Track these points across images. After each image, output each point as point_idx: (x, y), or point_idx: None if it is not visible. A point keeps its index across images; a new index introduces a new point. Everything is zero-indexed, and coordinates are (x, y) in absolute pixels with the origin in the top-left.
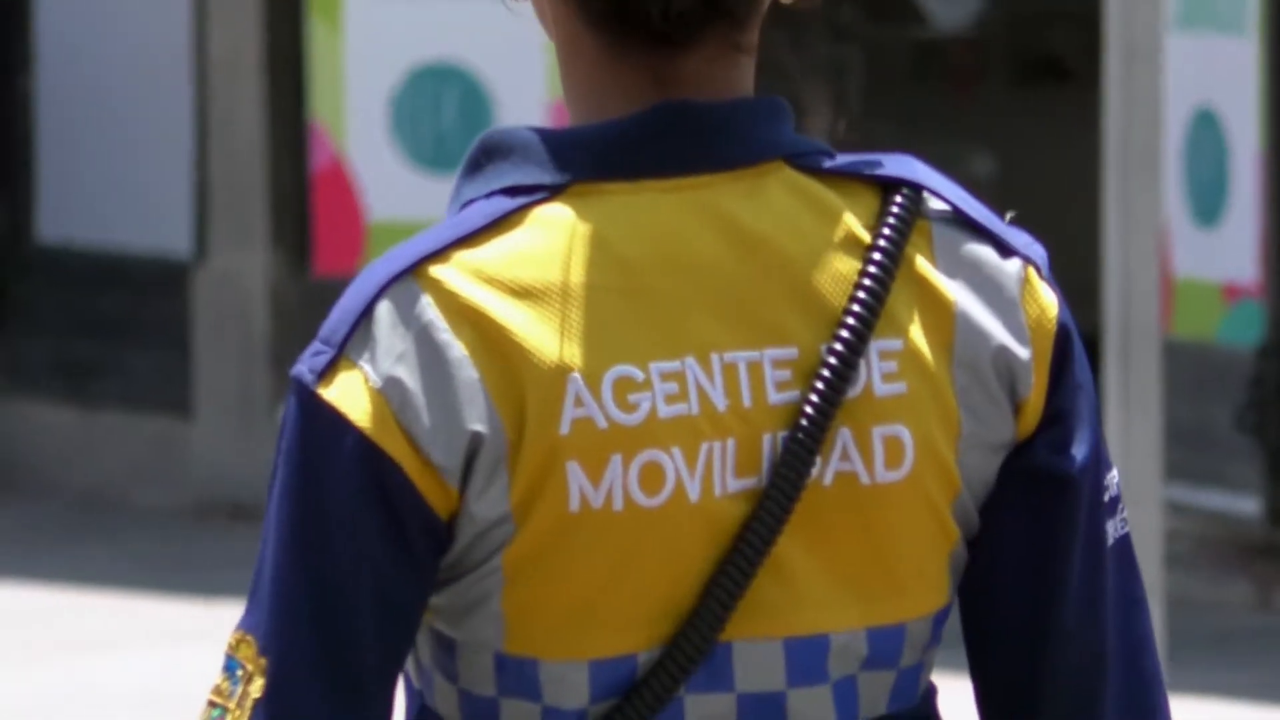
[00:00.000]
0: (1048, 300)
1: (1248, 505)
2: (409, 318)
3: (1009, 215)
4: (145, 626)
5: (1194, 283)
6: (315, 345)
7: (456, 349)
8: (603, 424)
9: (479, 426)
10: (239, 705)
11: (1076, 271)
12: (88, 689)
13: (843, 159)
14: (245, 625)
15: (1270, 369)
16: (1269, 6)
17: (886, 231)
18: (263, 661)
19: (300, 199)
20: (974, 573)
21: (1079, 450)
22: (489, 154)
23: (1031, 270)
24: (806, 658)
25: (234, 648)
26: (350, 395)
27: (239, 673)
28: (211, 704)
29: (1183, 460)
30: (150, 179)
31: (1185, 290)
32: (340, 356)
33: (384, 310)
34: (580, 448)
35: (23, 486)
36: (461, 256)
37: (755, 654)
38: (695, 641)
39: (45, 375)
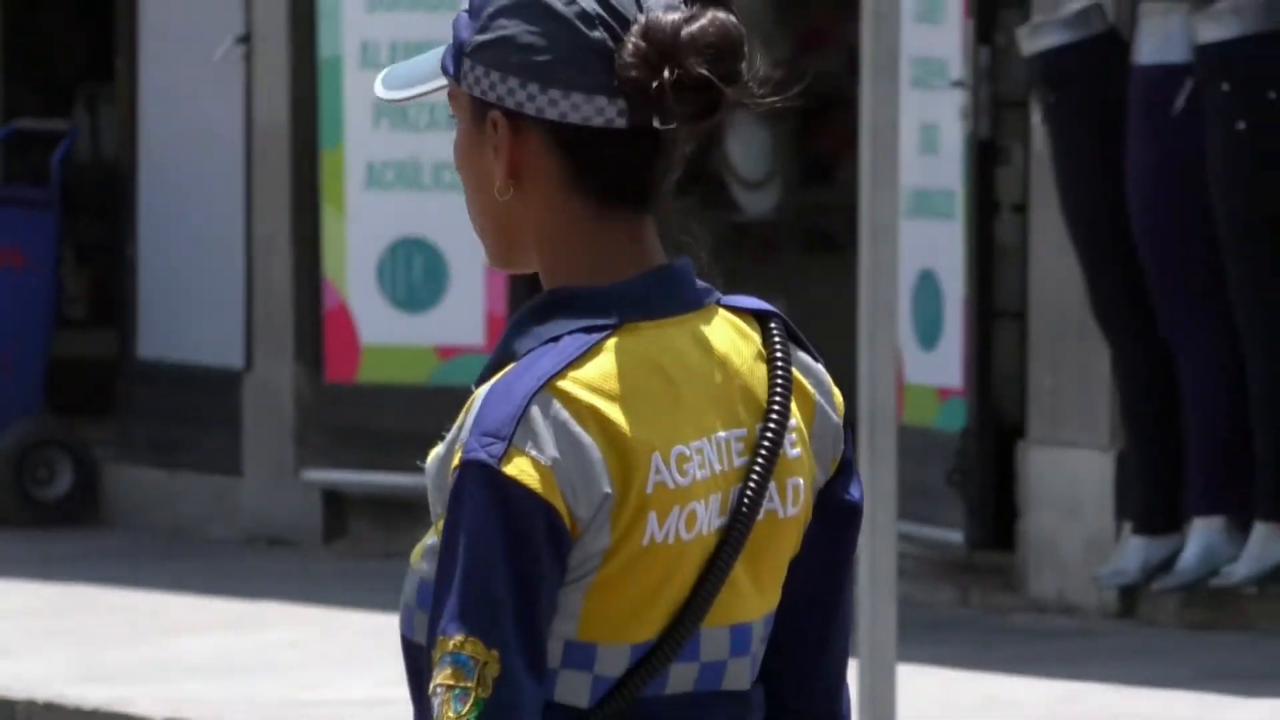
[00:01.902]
0: (838, 392)
1: (954, 536)
2: (553, 419)
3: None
4: (210, 618)
5: (918, 387)
6: (484, 439)
7: (586, 438)
8: (671, 485)
9: (607, 489)
10: (480, 684)
11: (843, 378)
12: (177, 657)
13: (730, 298)
14: (468, 630)
15: (969, 445)
16: (969, 202)
17: (779, 350)
18: (494, 653)
19: (316, 329)
20: (792, 567)
21: (858, 490)
22: (556, 305)
23: (825, 372)
24: (741, 639)
25: (459, 646)
26: (526, 471)
27: (471, 664)
28: (449, 688)
29: (911, 505)
30: (214, 316)
31: (913, 392)
32: (511, 446)
33: (535, 413)
34: (657, 502)
35: (126, 524)
36: (574, 375)
37: (714, 636)
38: (687, 629)
39: (142, 449)
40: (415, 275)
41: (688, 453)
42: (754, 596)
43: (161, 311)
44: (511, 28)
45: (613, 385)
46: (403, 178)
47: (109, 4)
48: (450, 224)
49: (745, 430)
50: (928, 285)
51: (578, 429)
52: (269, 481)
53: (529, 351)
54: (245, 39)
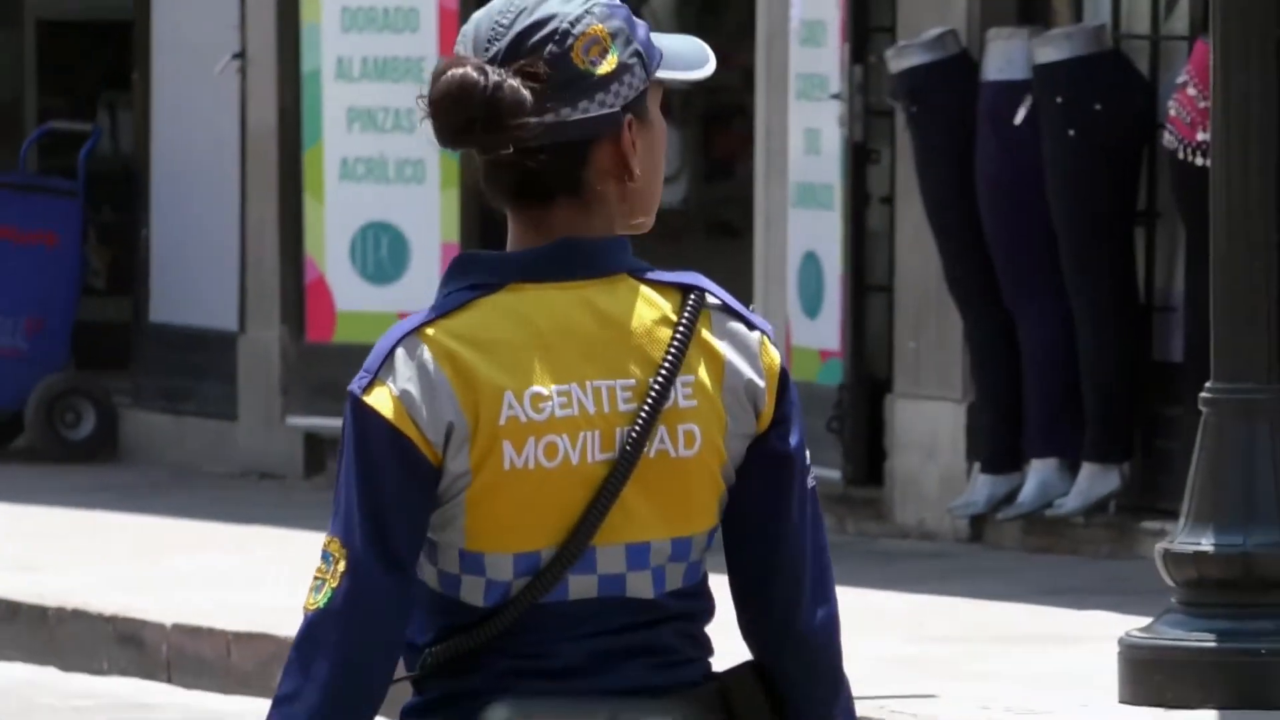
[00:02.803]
0: (774, 355)
1: (833, 474)
2: (417, 358)
3: (751, 305)
4: (208, 540)
5: (803, 349)
6: (360, 374)
7: (439, 375)
8: (523, 420)
9: (451, 418)
10: (332, 575)
11: None
12: (188, 573)
13: (660, 274)
14: (332, 533)
15: (845, 398)
16: (845, 195)
17: (685, 317)
18: (345, 550)
19: (299, 298)
20: (732, 507)
21: (794, 439)
22: (461, 267)
23: (765, 338)
24: (638, 556)
25: (326, 545)
26: (381, 400)
27: (330, 559)
28: (314, 579)
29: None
30: (214, 286)
31: (798, 353)
32: (374, 379)
33: (400, 353)
34: (509, 433)
35: (139, 461)
36: (441, 323)
37: (608, 552)
38: (578, 545)
39: (153, 398)
40: (382, 253)
41: (546, 393)
42: (654, 521)
43: (169, 282)
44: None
45: (475, 334)
46: (371, 172)
47: (127, 26)
48: (411, 210)
49: (634, 381)
50: (810, 264)
51: (433, 367)
52: (259, 426)
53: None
54: (240, 55)
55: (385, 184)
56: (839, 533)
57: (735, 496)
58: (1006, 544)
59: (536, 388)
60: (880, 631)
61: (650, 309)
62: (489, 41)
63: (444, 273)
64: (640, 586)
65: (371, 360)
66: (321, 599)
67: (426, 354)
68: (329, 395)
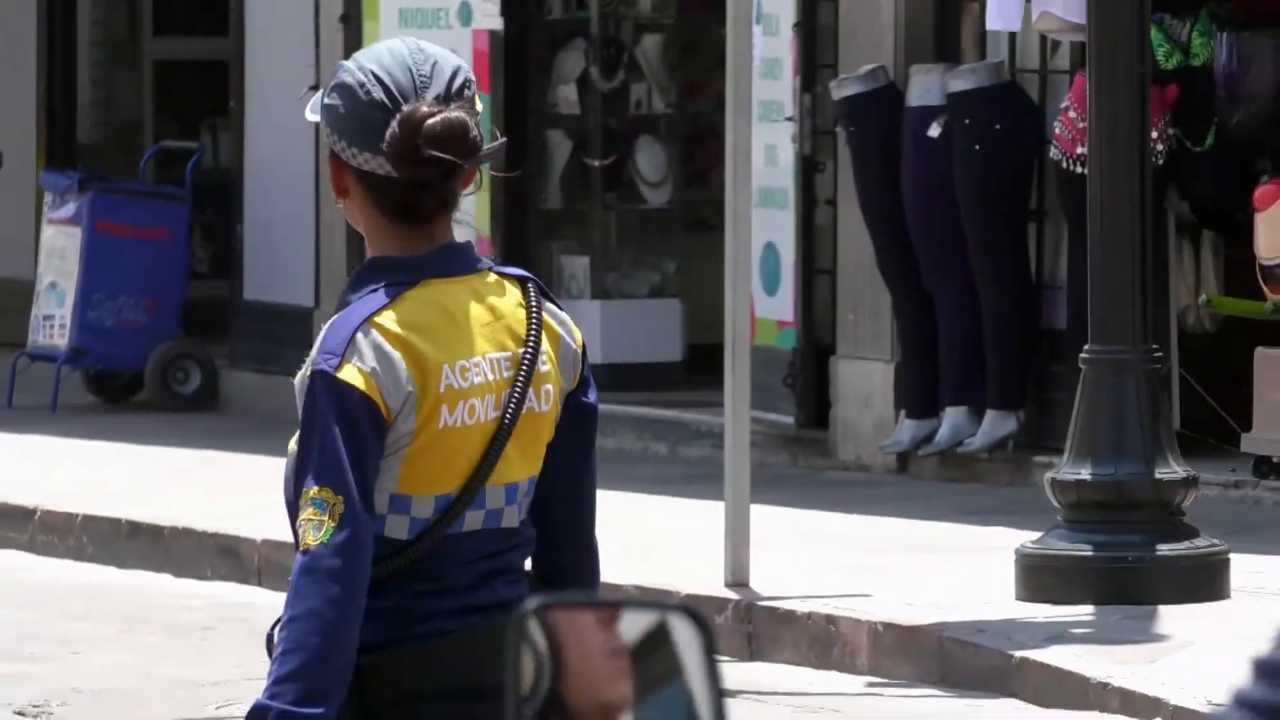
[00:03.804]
0: (578, 332)
1: (787, 419)
2: (371, 341)
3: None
4: None
5: (764, 320)
6: (325, 356)
7: (395, 355)
8: (456, 387)
9: (409, 389)
10: (330, 517)
11: (715, 315)
12: (273, 499)
13: (501, 267)
14: (319, 484)
15: (797, 359)
16: (797, 197)
17: (533, 301)
18: (340, 496)
19: None
20: (551, 449)
21: (593, 395)
22: (377, 269)
23: (569, 318)
24: (511, 493)
25: (317, 494)
26: (354, 375)
27: (324, 505)
28: (309, 521)
29: (759, 399)
30: (294, 271)
31: (761, 323)
32: (343, 360)
33: (360, 337)
34: (447, 398)
35: (236, 411)
36: (386, 313)
37: (494, 492)
38: (476, 486)
39: (246, 360)
40: None
41: (468, 366)
42: (520, 464)
43: (258, 268)
44: (336, 101)
45: (413, 320)
46: None
47: (225, 65)
48: None
49: (511, 354)
50: (770, 253)
51: (389, 349)
52: None
53: (357, 299)
54: (315, 87)
55: None
56: (792, 467)
57: (554, 441)
58: (926, 475)
59: (462, 361)
60: (825, 546)
61: (509, 296)
62: (421, 89)
63: (359, 273)
64: (511, 518)
65: (333, 345)
66: (324, 536)
67: (381, 338)
68: None
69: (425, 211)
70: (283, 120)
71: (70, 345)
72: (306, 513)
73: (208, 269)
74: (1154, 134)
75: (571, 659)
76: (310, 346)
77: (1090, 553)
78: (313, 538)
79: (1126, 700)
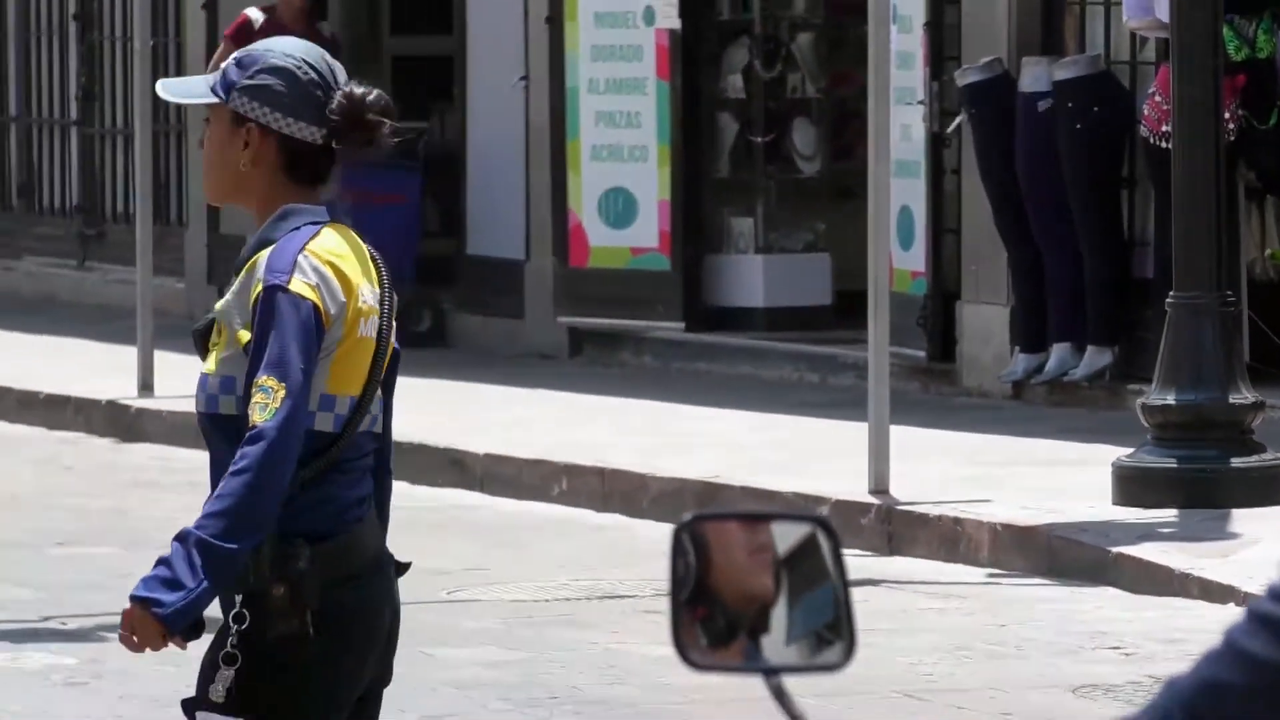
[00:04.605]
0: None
1: (920, 353)
2: (310, 263)
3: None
4: (507, 398)
5: (901, 270)
6: (275, 274)
7: (329, 274)
8: (364, 305)
9: (342, 300)
10: (274, 400)
11: (860, 266)
12: (494, 419)
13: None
14: (266, 375)
15: (928, 303)
16: (928, 168)
17: (370, 245)
18: (283, 385)
19: (563, 237)
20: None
21: (396, 341)
22: (294, 213)
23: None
24: (378, 401)
25: (263, 382)
26: (302, 287)
27: (270, 390)
28: (256, 403)
29: (897, 336)
30: (508, 230)
31: (898, 273)
32: (291, 277)
33: (302, 259)
34: (362, 313)
35: (462, 347)
36: (314, 244)
37: (375, 398)
38: (372, 390)
39: (471, 305)
40: (619, 208)
41: (365, 290)
42: (379, 377)
43: (479, 227)
44: (272, 81)
45: (334, 250)
46: (612, 155)
47: (449, 59)
48: (638, 179)
49: (374, 286)
50: (905, 214)
51: (324, 269)
52: (539, 323)
53: (283, 235)
54: (525, 77)
55: (620, 162)
56: (924, 393)
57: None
58: (1037, 401)
59: (365, 284)
60: (952, 459)
61: (359, 241)
62: (335, 76)
63: (276, 217)
64: (378, 423)
65: (282, 266)
66: (269, 415)
67: (317, 261)
68: (584, 302)
69: (325, 174)
70: (497, 104)
71: None
72: (256, 397)
73: (437, 228)
74: (1226, 115)
75: (716, 558)
76: (519, 293)
77: (1174, 465)
78: (259, 416)
79: (1205, 588)
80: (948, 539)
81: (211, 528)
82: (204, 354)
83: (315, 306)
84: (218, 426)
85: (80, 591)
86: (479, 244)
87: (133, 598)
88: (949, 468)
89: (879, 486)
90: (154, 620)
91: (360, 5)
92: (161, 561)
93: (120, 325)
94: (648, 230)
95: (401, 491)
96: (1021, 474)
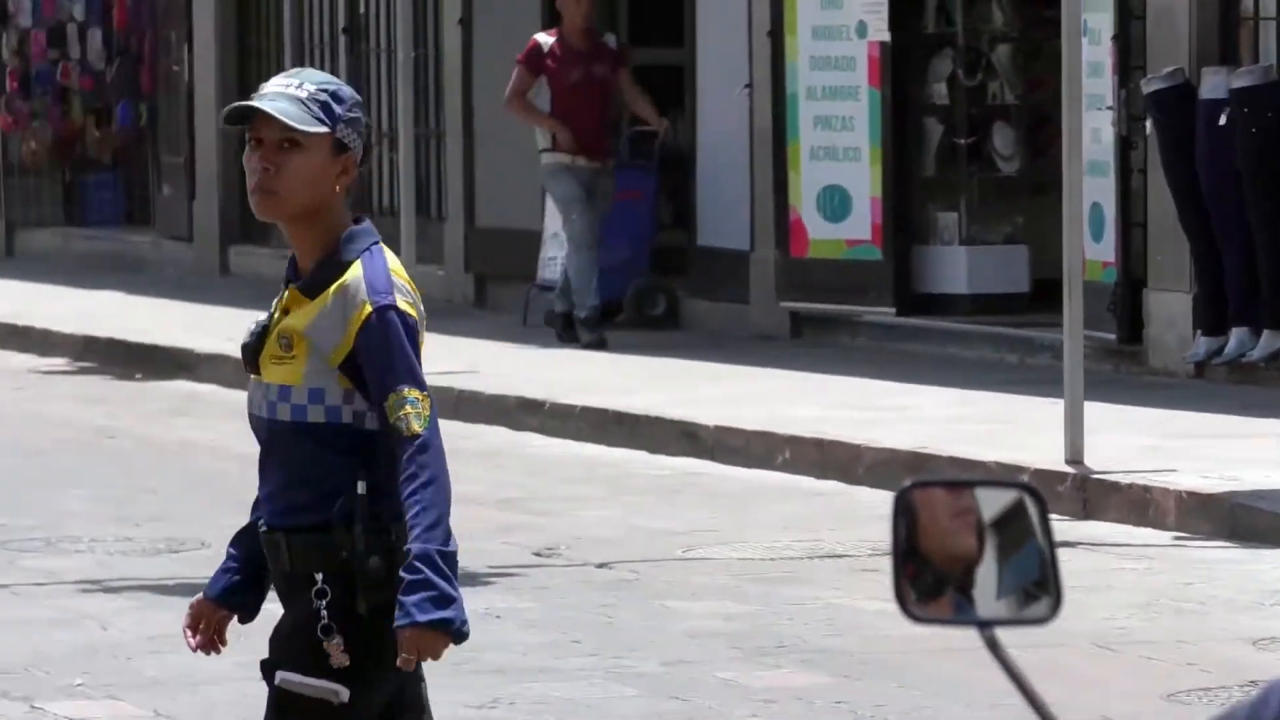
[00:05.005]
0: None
1: (1111, 337)
2: (399, 283)
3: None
4: (732, 374)
5: (1093, 261)
6: (381, 296)
7: (411, 290)
8: (423, 315)
9: (422, 310)
10: (425, 409)
11: (1057, 255)
12: (722, 394)
13: None
14: (411, 387)
15: (1119, 291)
16: (1117, 168)
17: None
18: (425, 395)
19: (786, 230)
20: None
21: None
22: (362, 234)
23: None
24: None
25: (409, 394)
26: (405, 306)
27: (417, 402)
28: (410, 413)
29: (1090, 321)
30: (734, 223)
31: (1090, 264)
32: (393, 296)
33: (395, 279)
34: (423, 323)
35: (694, 328)
36: (391, 264)
37: None
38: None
39: (701, 290)
40: (835, 203)
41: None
42: None
43: (709, 220)
44: (359, 115)
45: (400, 269)
46: (829, 155)
47: (680, 69)
48: (852, 177)
49: None
50: (1096, 210)
51: (407, 286)
52: (763, 307)
53: (362, 251)
54: (749, 85)
55: (836, 162)
56: (1114, 373)
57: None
58: (1217, 380)
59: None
60: (1141, 432)
61: None
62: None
63: (346, 238)
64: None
65: (384, 287)
66: (425, 423)
67: (401, 280)
68: (803, 289)
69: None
70: (724, 110)
71: None
72: (405, 409)
73: (670, 221)
74: None
75: (923, 521)
76: (745, 281)
77: None
78: (418, 425)
79: None
80: (1137, 505)
81: (438, 539)
82: (255, 365)
83: (415, 322)
84: (303, 432)
85: None
86: (708, 236)
87: (415, 625)
88: (1138, 440)
89: (1074, 457)
90: (446, 636)
91: (602, 22)
92: (416, 586)
93: None
94: (861, 224)
95: (640, 460)
96: (1204, 446)
